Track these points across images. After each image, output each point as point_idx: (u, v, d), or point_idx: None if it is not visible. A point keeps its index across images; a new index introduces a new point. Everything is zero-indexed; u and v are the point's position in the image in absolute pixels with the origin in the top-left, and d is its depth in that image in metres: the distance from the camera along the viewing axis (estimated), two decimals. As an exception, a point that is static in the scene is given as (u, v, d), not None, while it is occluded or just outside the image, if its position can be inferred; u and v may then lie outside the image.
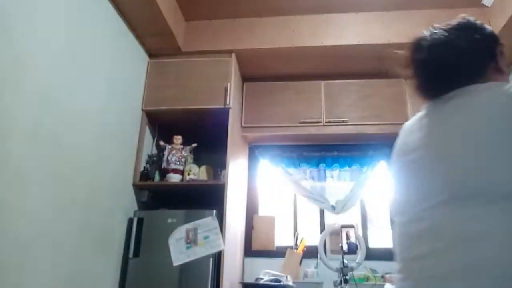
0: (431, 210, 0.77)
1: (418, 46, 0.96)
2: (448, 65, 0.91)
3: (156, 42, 2.56)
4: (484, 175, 0.74)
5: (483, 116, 0.79)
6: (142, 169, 2.47)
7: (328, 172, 2.99)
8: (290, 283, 2.33)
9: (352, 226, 2.64)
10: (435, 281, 0.72)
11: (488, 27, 0.99)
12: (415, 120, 0.99)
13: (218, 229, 2.15)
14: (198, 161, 2.62)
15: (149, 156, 2.58)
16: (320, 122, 2.74)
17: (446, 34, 0.93)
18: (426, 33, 0.96)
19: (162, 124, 2.69)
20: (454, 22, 0.97)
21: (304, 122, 2.74)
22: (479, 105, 0.82)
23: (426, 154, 0.85)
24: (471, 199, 0.73)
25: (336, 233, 2.68)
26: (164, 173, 2.47)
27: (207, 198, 2.37)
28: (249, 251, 2.83)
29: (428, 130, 0.90)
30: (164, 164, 2.48)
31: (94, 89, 1.98)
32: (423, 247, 0.77)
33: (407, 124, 1.02)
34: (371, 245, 2.80)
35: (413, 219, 0.82)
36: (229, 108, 2.47)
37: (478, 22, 0.98)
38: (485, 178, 0.73)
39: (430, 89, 0.96)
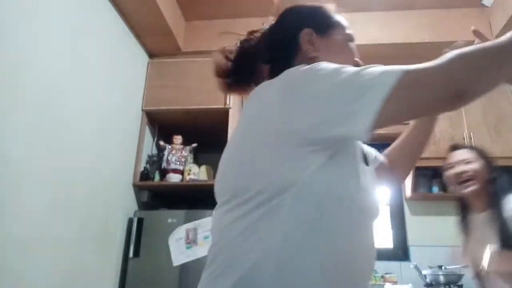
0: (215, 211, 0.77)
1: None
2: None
3: (156, 42, 2.56)
4: (220, 179, 0.74)
5: (241, 116, 0.76)
6: (142, 169, 2.47)
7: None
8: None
9: (352, 226, 2.64)
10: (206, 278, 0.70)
11: (299, 11, 0.90)
12: None
13: (218, 229, 2.15)
14: (198, 161, 2.62)
15: (149, 156, 2.58)
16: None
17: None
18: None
19: (162, 124, 2.69)
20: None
21: (304, 122, 2.74)
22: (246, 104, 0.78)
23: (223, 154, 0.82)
24: (220, 202, 0.73)
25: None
26: (164, 173, 2.47)
27: (207, 198, 2.37)
28: (249, 251, 2.83)
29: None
30: (164, 164, 2.48)
31: (94, 89, 1.98)
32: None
33: None
34: (371, 245, 2.80)
35: None
36: (229, 108, 2.47)
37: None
38: (221, 183, 0.74)
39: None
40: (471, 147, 1.74)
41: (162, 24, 2.39)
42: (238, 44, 0.90)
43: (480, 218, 1.54)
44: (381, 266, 2.61)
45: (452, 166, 1.62)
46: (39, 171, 1.55)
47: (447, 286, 2.18)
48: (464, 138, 2.60)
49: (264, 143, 0.66)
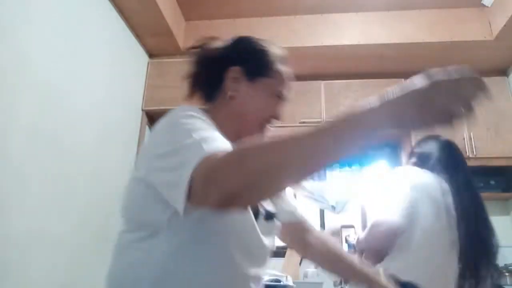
0: None
1: None
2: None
3: (156, 42, 2.56)
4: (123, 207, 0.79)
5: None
6: (142, 169, 2.46)
7: (328, 172, 2.99)
8: (290, 283, 2.32)
9: (352, 226, 2.64)
10: None
11: (243, 44, 0.87)
12: None
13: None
14: (198, 161, 2.62)
15: (149, 156, 2.58)
16: (320, 122, 2.73)
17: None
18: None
19: (162, 124, 2.69)
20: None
21: (304, 122, 2.74)
22: None
23: None
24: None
25: (336, 233, 2.68)
26: (164, 173, 2.46)
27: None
28: (249, 251, 2.83)
29: None
30: (164, 164, 2.48)
31: (94, 89, 1.98)
32: None
33: None
34: (371, 245, 2.80)
35: None
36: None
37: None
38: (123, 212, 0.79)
39: None
40: None
41: (162, 24, 2.39)
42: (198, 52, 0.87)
43: None
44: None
45: None
46: (39, 171, 1.54)
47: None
48: (464, 138, 2.60)
49: (142, 183, 0.71)
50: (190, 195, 0.56)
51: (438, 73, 0.50)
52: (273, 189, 0.57)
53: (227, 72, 0.81)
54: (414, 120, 0.49)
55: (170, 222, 0.68)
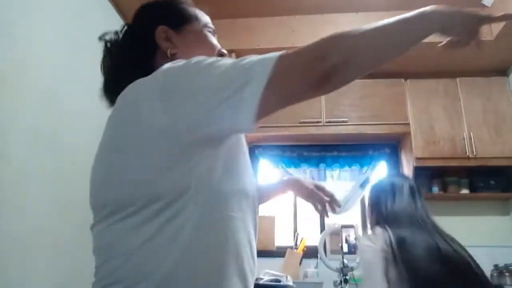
0: None
1: None
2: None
3: (156, 42, 2.56)
4: (98, 192, 0.71)
5: (110, 117, 0.71)
6: (142, 169, 2.46)
7: (328, 172, 2.99)
8: (290, 283, 2.33)
9: (352, 226, 2.64)
10: None
11: (152, 8, 0.86)
12: None
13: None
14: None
15: (149, 156, 2.58)
16: (320, 122, 2.74)
17: None
18: None
19: (162, 124, 2.69)
20: None
21: (304, 122, 2.74)
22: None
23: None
24: (99, 217, 0.70)
25: (336, 233, 2.68)
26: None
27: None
28: (249, 251, 2.83)
29: None
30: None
31: (94, 89, 1.98)
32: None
33: None
34: (371, 245, 2.80)
35: None
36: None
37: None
38: (99, 195, 0.70)
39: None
40: None
41: (162, 24, 2.39)
42: (105, 46, 0.83)
43: None
44: (381, 266, 2.61)
45: None
46: (39, 171, 1.54)
47: (447, 286, 2.18)
48: (464, 138, 2.61)
49: (144, 148, 0.61)
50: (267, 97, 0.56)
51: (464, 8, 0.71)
52: (371, 65, 0.62)
53: (156, 34, 0.80)
54: (456, 29, 0.70)
55: (196, 189, 0.60)
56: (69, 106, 1.75)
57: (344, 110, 2.75)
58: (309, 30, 2.67)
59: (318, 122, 2.74)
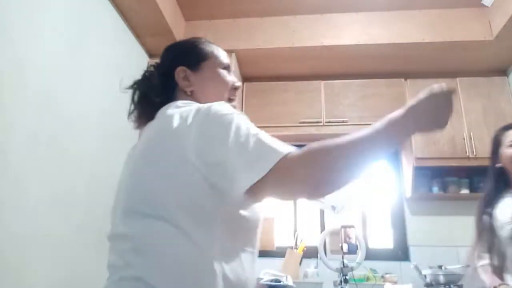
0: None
1: None
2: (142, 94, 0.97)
3: (156, 42, 2.55)
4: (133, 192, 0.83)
5: (145, 138, 0.83)
6: (142, 169, 2.46)
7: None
8: (290, 283, 2.32)
9: (352, 226, 2.64)
10: None
11: (173, 50, 1.02)
12: None
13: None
14: (198, 161, 2.61)
15: (149, 156, 2.58)
16: (320, 122, 2.74)
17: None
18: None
19: (162, 124, 2.69)
20: None
21: (304, 122, 2.74)
22: (148, 127, 0.86)
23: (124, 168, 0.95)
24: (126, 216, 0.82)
25: (336, 233, 2.68)
26: (164, 173, 2.46)
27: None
28: (249, 251, 2.83)
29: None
30: (164, 164, 2.47)
31: (94, 90, 1.98)
32: None
33: None
34: (371, 245, 2.80)
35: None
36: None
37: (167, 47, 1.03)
38: (136, 195, 0.81)
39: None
40: None
41: (162, 23, 2.39)
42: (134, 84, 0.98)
43: None
44: (381, 266, 2.61)
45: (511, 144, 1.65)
46: (39, 172, 1.54)
47: (447, 286, 2.18)
48: (464, 138, 2.60)
49: (176, 165, 0.73)
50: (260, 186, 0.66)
51: (435, 88, 0.74)
52: (353, 176, 0.71)
53: (176, 74, 0.92)
54: (428, 125, 0.74)
55: (219, 211, 0.73)
56: (69, 107, 1.75)
57: (344, 110, 2.75)
58: (309, 30, 2.67)
59: (318, 122, 2.74)
